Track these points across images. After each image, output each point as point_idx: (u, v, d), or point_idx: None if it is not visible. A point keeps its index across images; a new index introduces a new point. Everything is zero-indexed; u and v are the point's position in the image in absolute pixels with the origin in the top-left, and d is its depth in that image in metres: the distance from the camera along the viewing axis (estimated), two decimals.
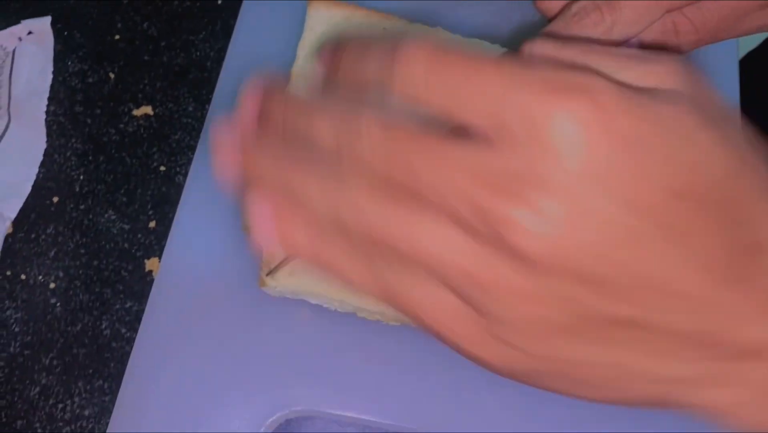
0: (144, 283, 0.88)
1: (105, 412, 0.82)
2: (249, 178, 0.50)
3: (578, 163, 0.37)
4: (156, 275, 0.88)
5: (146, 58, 1.01)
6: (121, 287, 0.88)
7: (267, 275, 0.79)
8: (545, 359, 0.44)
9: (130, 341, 0.85)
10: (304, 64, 0.85)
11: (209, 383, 0.83)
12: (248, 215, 0.49)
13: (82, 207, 0.92)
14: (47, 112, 0.97)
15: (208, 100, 0.98)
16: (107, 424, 0.81)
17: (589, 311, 0.42)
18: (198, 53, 1.02)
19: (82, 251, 0.90)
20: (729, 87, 0.98)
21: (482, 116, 0.38)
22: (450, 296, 0.43)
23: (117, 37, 1.03)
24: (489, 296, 0.42)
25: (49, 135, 0.96)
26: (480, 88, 0.38)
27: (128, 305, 0.87)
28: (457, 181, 0.38)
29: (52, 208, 0.92)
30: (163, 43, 1.02)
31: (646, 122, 0.38)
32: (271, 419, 0.82)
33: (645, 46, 0.69)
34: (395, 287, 0.45)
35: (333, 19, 0.87)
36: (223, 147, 0.51)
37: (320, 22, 0.87)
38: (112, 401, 0.82)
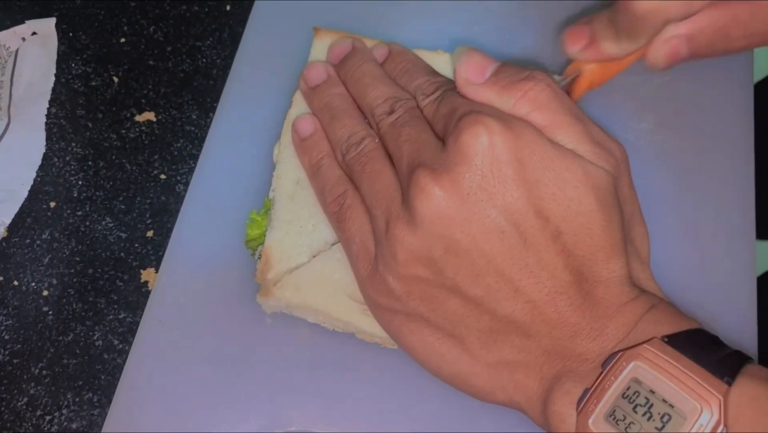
0: (139, 294, 0.86)
1: (93, 426, 0.80)
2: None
3: (474, 164, 0.60)
4: (152, 287, 0.86)
5: (151, 62, 1.00)
6: (115, 297, 0.86)
7: (274, 285, 0.77)
8: (401, 301, 0.67)
9: (123, 354, 0.83)
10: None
11: (203, 400, 0.81)
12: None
13: (79, 213, 0.90)
14: (48, 115, 0.95)
15: (212, 109, 0.96)
16: None
17: (446, 278, 0.62)
18: (204, 60, 1.00)
19: (77, 258, 0.88)
20: (743, 112, 0.96)
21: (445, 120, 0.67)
22: (368, 230, 0.71)
23: (123, 40, 1.01)
24: (387, 238, 0.65)
25: (48, 138, 0.94)
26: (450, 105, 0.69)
27: (122, 315, 0.85)
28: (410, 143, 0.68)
29: (49, 213, 0.90)
30: (169, 49, 1.01)
31: (527, 147, 0.62)
32: None
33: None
34: (345, 212, 0.75)
35: None
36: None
37: (323, 53, 0.87)
38: (102, 415, 0.80)
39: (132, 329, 0.84)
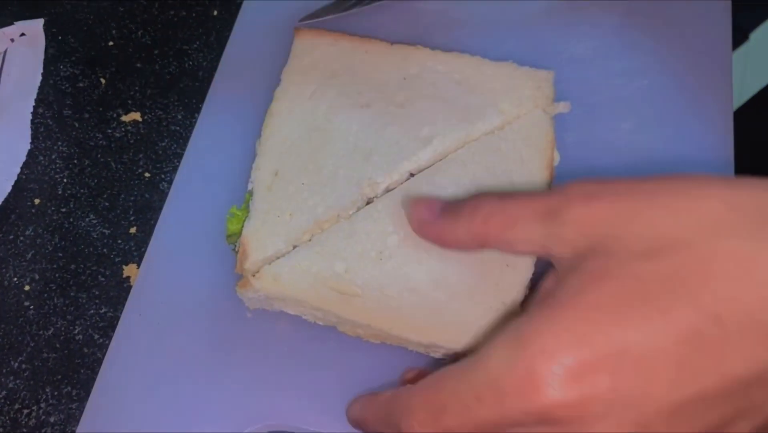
0: (121, 289, 0.87)
1: (71, 420, 0.80)
2: None
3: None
4: (134, 282, 0.87)
5: (138, 65, 1.01)
6: (96, 292, 0.86)
7: (252, 276, 0.78)
8: None
9: (103, 348, 0.83)
10: (287, 87, 0.87)
11: (183, 395, 0.80)
12: None
13: (63, 210, 0.91)
14: (35, 114, 0.96)
15: (198, 110, 0.97)
16: (72, 431, 0.79)
17: None
18: (191, 62, 1.02)
19: (60, 254, 0.88)
20: (723, 138, 0.97)
21: None
22: None
23: (111, 43, 1.03)
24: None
25: (34, 137, 0.95)
26: None
27: (103, 310, 0.86)
28: None
29: (33, 210, 0.91)
30: (156, 51, 1.02)
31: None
32: None
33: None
34: None
35: (319, 48, 0.90)
36: None
37: (306, 51, 0.89)
38: (80, 409, 0.80)
39: (113, 324, 0.84)
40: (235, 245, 0.83)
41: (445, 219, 0.71)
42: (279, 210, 0.81)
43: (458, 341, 0.75)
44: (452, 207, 0.72)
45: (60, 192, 0.92)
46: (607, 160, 0.94)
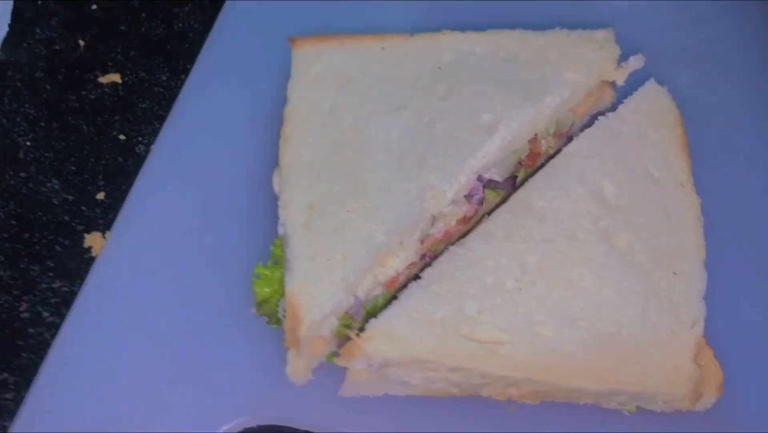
0: (80, 261, 0.72)
1: (4, 413, 0.64)
2: None
3: None
4: (97, 253, 0.72)
5: (123, 27, 0.90)
6: (51, 264, 0.72)
7: (360, 337, 0.58)
8: None
9: (53, 327, 0.68)
10: (297, 105, 0.73)
11: (144, 385, 0.64)
12: None
13: (22, 175, 0.78)
14: (2, 77, 0.85)
15: (186, 71, 0.85)
16: (3, 427, 0.63)
17: None
18: (181, 25, 0.91)
19: (14, 222, 0.74)
20: None
21: None
22: None
23: (94, 6, 0.92)
24: None
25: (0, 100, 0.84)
26: None
27: (57, 285, 0.71)
28: None
29: None
30: (143, 15, 0.91)
31: None
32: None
33: None
34: None
35: (324, 55, 0.76)
36: None
37: (309, 62, 0.75)
38: (16, 401, 0.64)
39: (67, 300, 0.69)
40: (272, 315, 0.64)
41: None
42: (327, 252, 0.62)
43: (646, 382, 0.58)
44: None
45: (21, 156, 0.79)
46: None
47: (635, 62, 0.74)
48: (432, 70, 0.74)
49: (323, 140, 0.70)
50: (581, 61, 0.73)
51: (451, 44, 0.76)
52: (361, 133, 0.70)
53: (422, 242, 0.66)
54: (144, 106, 0.83)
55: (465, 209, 0.68)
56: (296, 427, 0.62)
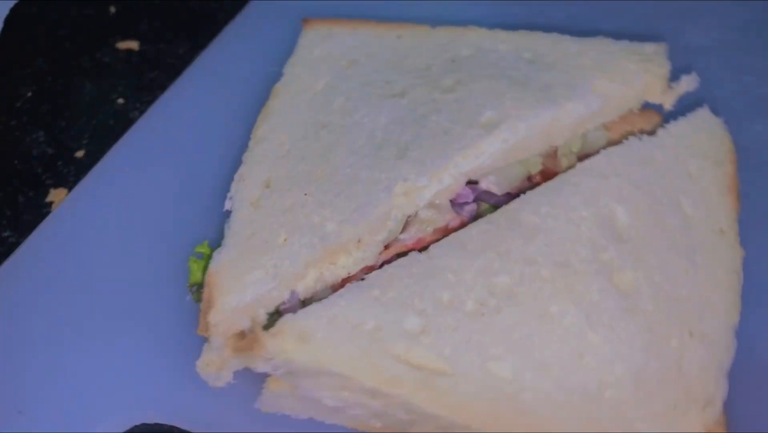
0: (37, 214, 0.67)
1: None
2: None
3: None
4: (54, 207, 0.67)
5: (158, 1, 0.88)
6: (8, 213, 0.67)
7: (268, 331, 0.47)
8: None
9: None
10: (290, 81, 0.66)
11: (70, 358, 0.57)
12: None
13: (13, 123, 0.75)
14: (27, 29, 0.84)
15: (204, 47, 0.81)
16: None
17: None
18: (214, 4, 0.87)
19: None
20: None
21: None
22: None
23: None
24: None
25: (12, 53, 0.82)
26: None
27: (6, 234, 0.66)
28: None
29: None
30: None
31: None
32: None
33: None
34: None
35: (333, 38, 0.70)
36: None
37: (316, 43, 0.69)
38: None
39: (7, 252, 0.64)
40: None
41: None
42: (268, 233, 0.54)
43: None
44: None
45: (18, 105, 0.77)
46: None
47: (688, 83, 0.63)
48: (444, 63, 0.65)
49: (305, 119, 0.62)
50: (619, 70, 0.62)
51: (473, 40, 0.67)
52: (347, 116, 0.61)
53: (387, 247, 0.57)
54: (152, 75, 0.80)
55: (448, 218, 0.58)
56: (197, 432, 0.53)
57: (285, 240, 0.53)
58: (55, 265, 0.61)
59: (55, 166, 0.71)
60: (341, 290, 0.50)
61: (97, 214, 0.64)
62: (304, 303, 0.54)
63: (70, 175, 0.71)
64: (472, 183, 0.59)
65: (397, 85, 0.63)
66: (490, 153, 0.57)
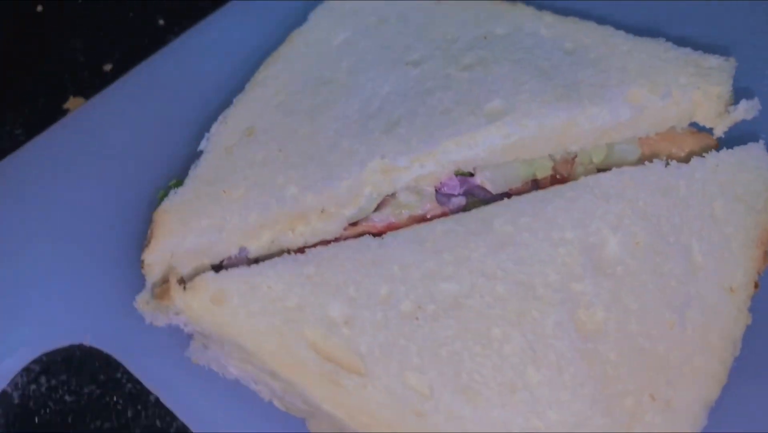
0: (51, 119, 0.67)
1: None
2: None
3: None
4: (70, 113, 0.68)
5: None
6: (25, 111, 0.69)
7: (180, 285, 0.46)
8: None
9: None
10: (310, 29, 0.62)
11: (25, 270, 0.57)
12: None
13: (55, 27, 0.76)
14: None
15: None
16: None
17: None
18: None
19: (13, 67, 0.73)
20: None
21: None
22: None
23: None
24: None
25: None
26: None
27: (18, 132, 0.69)
28: None
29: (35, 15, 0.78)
30: None
31: None
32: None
33: None
34: None
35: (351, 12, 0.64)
36: None
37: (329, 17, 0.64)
38: None
39: (12, 148, 0.65)
40: None
41: None
42: (228, 183, 0.50)
43: None
44: None
45: (65, 12, 0.78)
46: None
47: (746, 110, 0.54)
48: (474, 38, 0.59)
49: (309, 72, 0.59)
50: (665, 82, 0.54)
51: (514, 18, 0.60)
52: (352, 77, 0.57)
53: (354, 224, 0.53)
54: (202, 4, 0.78)
55: (428, 207, 0.53)
56: (127, 366, 0.52)
57: (241, 195, 0.50)
58: (44, 173, 0.61)
59: (81, 75, 0.72)
60: (274, 259, 0.47)
61: (97, 132, 0.64)
62: (255, 263, 0.52)
63: (93, 87, 0.71)
64: (466, 174, 0.54)
65: (416, 53, 0.59)
66: (487, 146, 0.52)
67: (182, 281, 0.46)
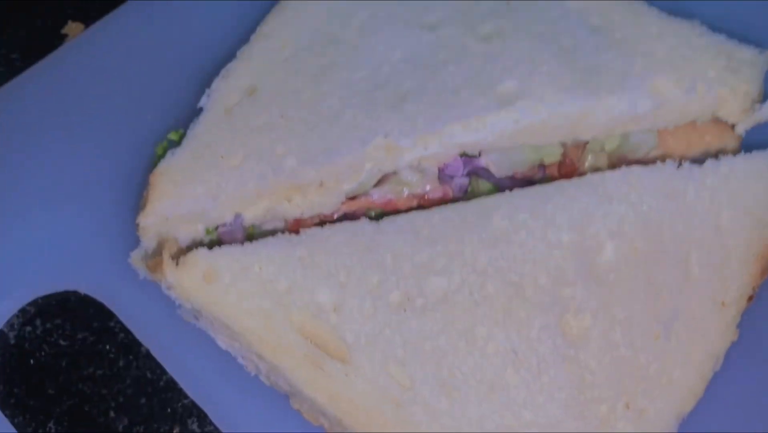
0: (48, 44, 0.65)
1: None
2: None
3: None
4: (69, 39, 0.66)
5: None
6: (21, 34, 0.66)
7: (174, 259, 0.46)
8: None
9: None
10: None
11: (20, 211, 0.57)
12: None
13: None
14: None
15: None
16: None
17: None
18: None
19: None
20: None
21: None
22: None
23: None
24: None
25: None
26: None
27: (14, 55, 0.66)
28: None
29: None
30: None
31: None
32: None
33: None
34: None
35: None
36: None
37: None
38: None
39: (8, 73, 0.63)
40: None
41: None
42: (226, 148, 0.49)
43: None
44: None
45: None
46: None
47: None
48: (496, 4, 0.56)
49: (319, 26, 0.55)
50: (692, 73, 0.51)
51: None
52: (363, 37, 0.54)
53: (352, 198, 0.52)
54: None
55: (429, 187, 0.52)
56: (121, 318, 0.53)
57: (241, 162, 0.49)
58: (40, 111, 0.60)
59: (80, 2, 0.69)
60: (267, 239, 0.46)
61: (95, 62, 0.62)
62: (251, 230, 0.52)
63: (92, 11, 0.68)
64: (469, 155, 0.53)
65: (433, 16, 0.55)
66: (496, 130, 0.50)
67: (176, 255, 0.46)
